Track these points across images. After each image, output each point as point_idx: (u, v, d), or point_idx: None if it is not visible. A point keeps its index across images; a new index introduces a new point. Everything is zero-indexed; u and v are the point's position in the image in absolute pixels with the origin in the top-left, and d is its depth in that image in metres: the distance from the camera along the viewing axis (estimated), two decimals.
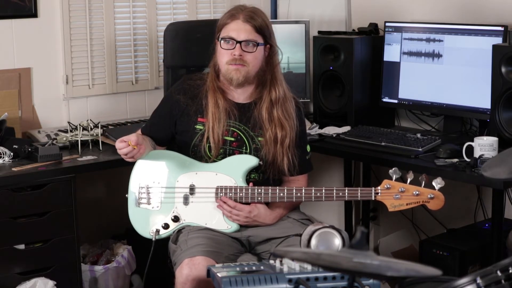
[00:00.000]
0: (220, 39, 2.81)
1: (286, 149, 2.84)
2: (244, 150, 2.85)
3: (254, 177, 2.85)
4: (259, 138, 2.86)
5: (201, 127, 2.85)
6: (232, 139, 2.85)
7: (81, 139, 3.31)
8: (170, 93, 2.95)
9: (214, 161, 2.83)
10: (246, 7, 2.85)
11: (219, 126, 2.82)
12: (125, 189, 2.87)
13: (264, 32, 2.81)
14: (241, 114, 2.86)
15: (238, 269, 2.24)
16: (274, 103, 2.85)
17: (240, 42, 2.77)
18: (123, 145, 2.69)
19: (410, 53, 3.58)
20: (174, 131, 2.92)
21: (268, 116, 2.84)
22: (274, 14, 4.25)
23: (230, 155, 2.84)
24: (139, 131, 2.96)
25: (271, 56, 2.86)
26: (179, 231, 2.80)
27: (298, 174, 2.91)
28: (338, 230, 2.46)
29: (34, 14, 3.55)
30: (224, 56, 2.80)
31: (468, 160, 2.95)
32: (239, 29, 2.78)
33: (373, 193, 2.70)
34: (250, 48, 2.79)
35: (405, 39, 3.59)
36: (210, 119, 2.82)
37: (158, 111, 2.99)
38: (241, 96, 2.88)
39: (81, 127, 3.34)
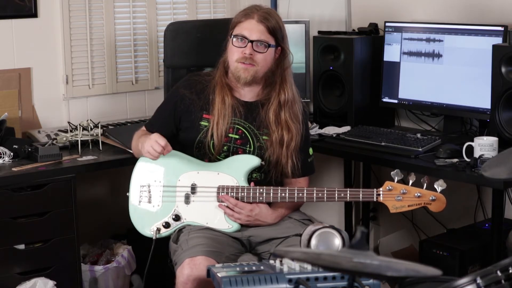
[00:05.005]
0: (232, 36, 2.81)
1: (291, 152, 2.83)
2: (248, 148, 2.85)
3: (256, 176, 2.85)
4: (264, 137, 2.85)
5: (206, 124, 2.85)
6: (237, 136, 2.85)
7: (81, 139, 3.31)
8: (176, 89, 2.94)
9: (217, 159, 2.83)
10: (262, 7, 2.85)
11: (224, 122, 2.82)
12: (126, 189, 2.87)
13: (277, 34, 2.81)
14: (246, 112, 2.86)
15: (238, 269, 2.24)
16: (282, 106, 2.84)
17: (252, 42, 2.78)
18: (161, 150, 2.71)
19: (410, 53, 3.58)
20: (178, 128, 2.91)
21: (275, 119, 2.84)
22: None
23: (234, 152, 2.84)
24: (143, 128, 2.96)
25: (281, 59, 2.86)
26: (180, 231, 2.79)
27: (300, 176, 2.91)
28: (338, 230, 2.46)
29: (34, 14, 3.55)
30: (234, 53, 2.80)
31: (468, 160, 2.95)
32: (252, 29, 2.79)
33: (375, 195, 2.70)
34: (261, 49, 2.79)
35: (405, 39, 3.59)
36: (215, 115, 2.82)
37: (162, 107, 2.98)
38: (247, 94, 2.88)
39: (81, 127, 3.34)
